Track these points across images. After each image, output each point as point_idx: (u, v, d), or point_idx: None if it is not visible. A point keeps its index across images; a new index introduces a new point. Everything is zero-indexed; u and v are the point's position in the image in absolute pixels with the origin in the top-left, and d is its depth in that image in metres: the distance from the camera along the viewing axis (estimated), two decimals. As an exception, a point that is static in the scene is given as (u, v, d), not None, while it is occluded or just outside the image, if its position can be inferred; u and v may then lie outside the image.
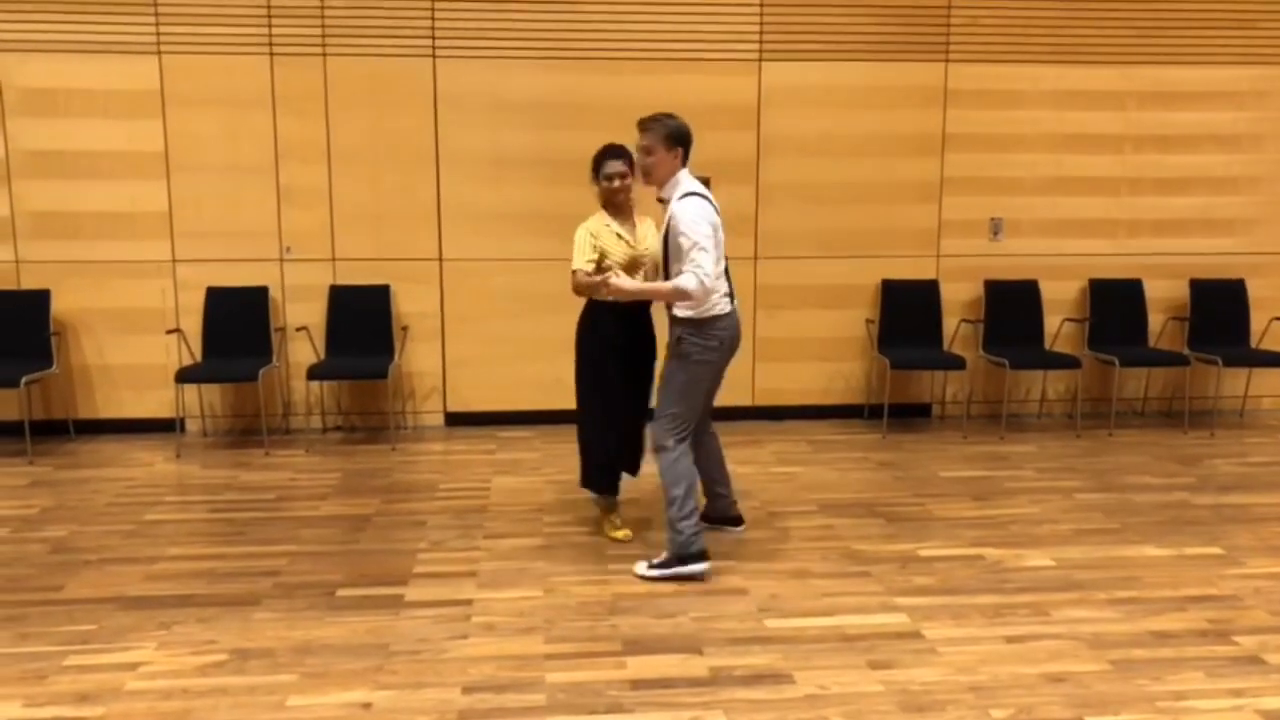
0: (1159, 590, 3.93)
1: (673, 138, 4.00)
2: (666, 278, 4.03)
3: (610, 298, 4.15)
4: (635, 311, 4.39)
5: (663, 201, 4.08)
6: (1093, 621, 3.65)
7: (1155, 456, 5.83)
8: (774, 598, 3.84)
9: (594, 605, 3.77)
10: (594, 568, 4.13)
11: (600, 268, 4.23)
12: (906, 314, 6.46)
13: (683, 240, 3.88)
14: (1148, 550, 4.35)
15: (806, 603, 3.80)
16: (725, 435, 5.85)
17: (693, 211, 3.92)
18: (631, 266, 4.30)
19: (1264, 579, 4.04)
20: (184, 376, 5.80)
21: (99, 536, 4.49)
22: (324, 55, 6.01)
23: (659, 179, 4.06)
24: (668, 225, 3.97)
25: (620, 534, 4.51)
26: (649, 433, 4.24)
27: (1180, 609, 3.77)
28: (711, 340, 4.02)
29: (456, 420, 6.42)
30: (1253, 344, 6.61)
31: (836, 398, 6.64)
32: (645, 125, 4.02)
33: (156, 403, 6.15)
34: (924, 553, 4.31)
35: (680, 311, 4.01)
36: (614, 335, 4.36)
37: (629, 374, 4.42)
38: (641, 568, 4.07)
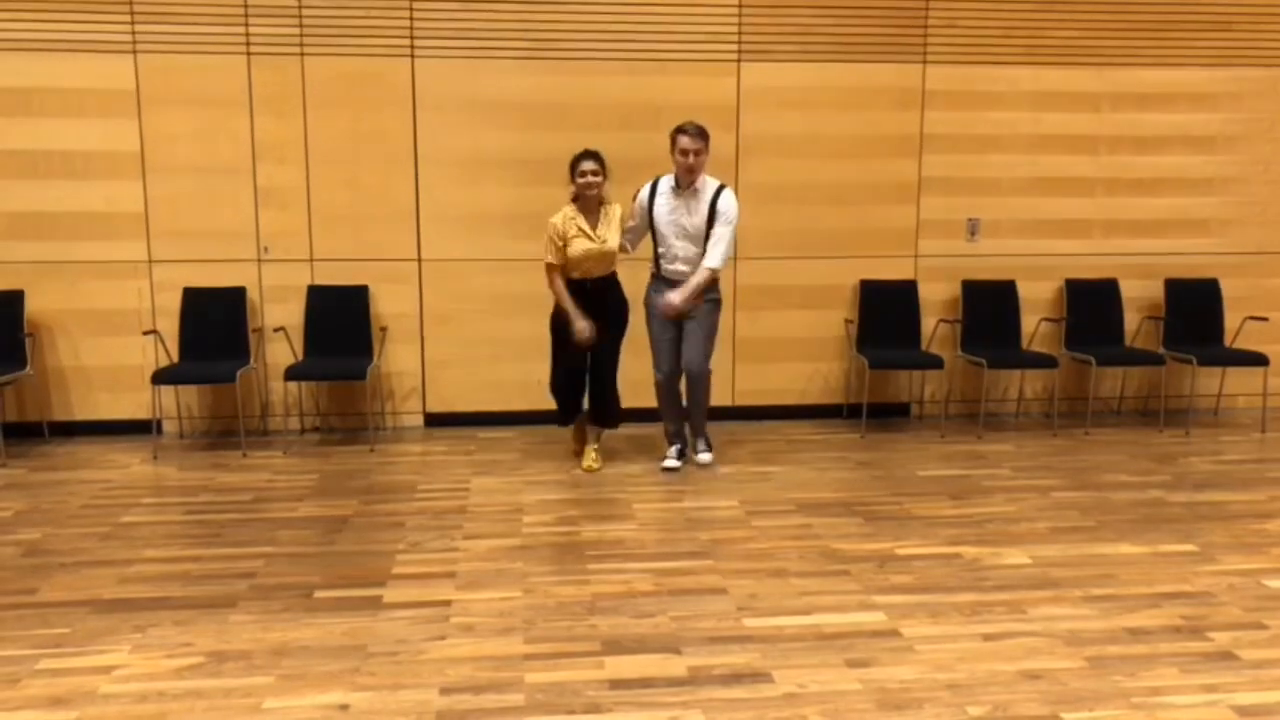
0: (1134, 587, 3.97)
1: (709, 140, 5.17)
2: (708, 242, 5.18)
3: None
4: (599, 287, 5.28)
5: (684, 186, 5.23)
6: (1069, 619, 3.68)
7: (1131, 455, 5.87)
8: (752, 597, 3.85)
9: (573, 605, 3.77)
10: (573, 568, 4.13)
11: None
12: (885, 314, 6.48)
13: (728, 222, 5.18)
14: (1123, 548, 4.38)
15: (785, 601, 3.81)
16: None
17: (736, 202, 5.24)
18: (587, 258, 5.20)
19: (1237, 575, 4.08)
20: (161, 378, 5.76)
21: (73, 539, 4.45)
22: (302, 55, 5.98)
23: (700, 172, 5.16)
24: (719, 204, 5.16)
25: (588, 463, 5.47)
26: (699, 368, 5.32)
27: (1155, 606, 3.80)
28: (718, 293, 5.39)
29: (435, 421, 6.40)
30: (1227, 343, 6.67)
31: (815, 398, 6.65)
32: (696, 131, 5.11)
33: (133, 404, 6.10)
34: (902, 551, 4.33)
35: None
36: (580, 308, 5.23)
37: (595, 336, 5.25)
38: (707, 457, 5.52)
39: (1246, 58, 6.60)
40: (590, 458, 5.49)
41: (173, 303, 6.04)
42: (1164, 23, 6.51)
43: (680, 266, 5.26)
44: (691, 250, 5.23)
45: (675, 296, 5.16)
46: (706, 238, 5.19)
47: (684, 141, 5.12)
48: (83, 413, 6.14)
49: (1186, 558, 4.28)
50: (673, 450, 5.52)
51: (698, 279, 5.16)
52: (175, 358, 6.03)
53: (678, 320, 5.29)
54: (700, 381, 5.38)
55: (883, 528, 4.63)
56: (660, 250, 5.32)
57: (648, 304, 5.42)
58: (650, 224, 5.32)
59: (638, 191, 5.36)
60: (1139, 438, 6.26)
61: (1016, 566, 4.18)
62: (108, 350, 6.08)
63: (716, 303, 5.34)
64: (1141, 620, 3.67)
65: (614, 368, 5.45)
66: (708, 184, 5.23)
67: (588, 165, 5.18)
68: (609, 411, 5.52)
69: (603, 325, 5.31)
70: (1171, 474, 5.50)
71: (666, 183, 5.29)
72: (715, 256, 5.17)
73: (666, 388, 5.45)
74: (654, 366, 5.44)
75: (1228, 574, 4.10)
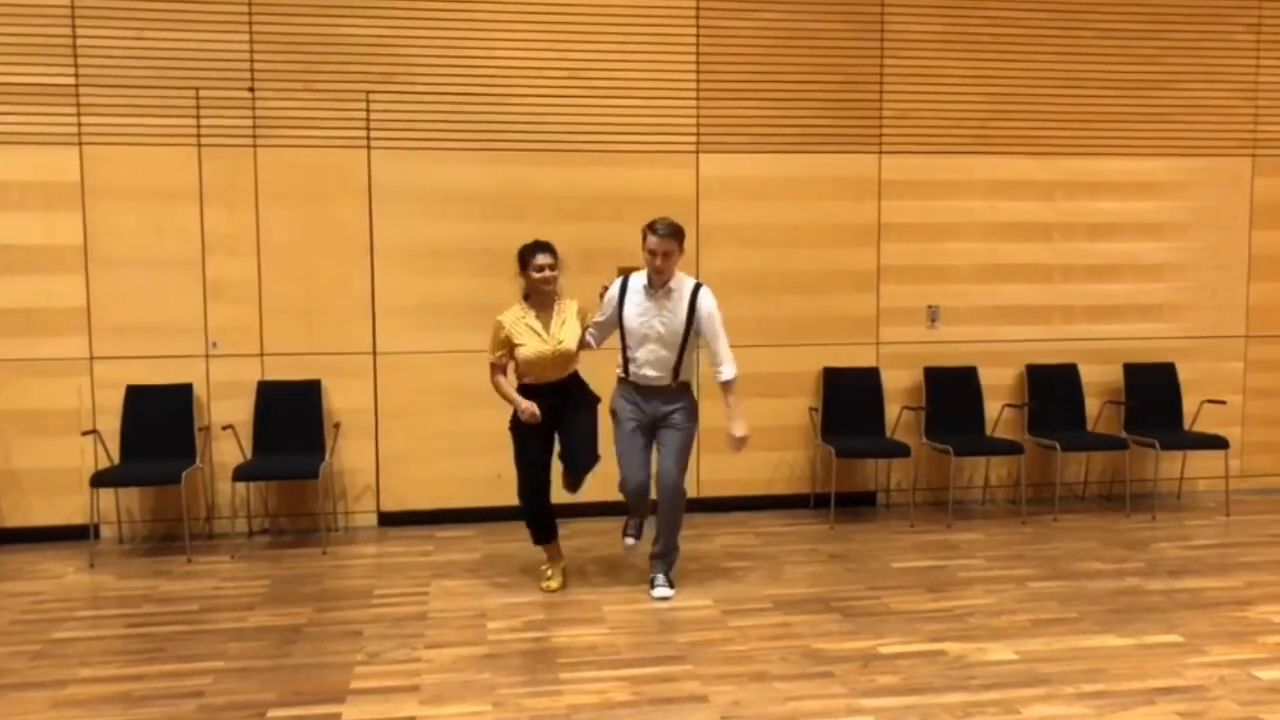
0: (1125, 682, 3.85)
1: (684, 238, 4.81)
2: (684, 347, 4.78)
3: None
4: (564, 393, 4.84)
5: (655, 287, 4.80)
6: (1064, 718, 3.54)
7: (1102, 541, 5.81)
8: (735, 704, 3.66)
9: (546, 719, 3.54)
10: (545, 677, 3.91)
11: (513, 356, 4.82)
12: (849, 402, 6.43)
13: (720, 325, 4.83)
14: (1109, 640, 4.27)
15: (770, 708, 3.63)
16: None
17: (714, 300, 4.85)
18: (539, 361, 4.76)
19: (1227, 667, 3.98)
20: (100, 480, 5.47)
21: (0, 659, 4.12)
22: (254, 146, 5.87)
23: (672, 274, 4.77)
24: (699, 306, 4.77)
25: (550, 584, 4.94)
26: (675, 479, 4.84)
27: (1149, 702, 3.68)
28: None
29: (391, 520, 6.15)
30: (1186, 426, 6.70)
31: (781, 487, 6.54)
32: (667, 231, 4.71)
33: (69, 509, 5.78)
34: (885, 649, 4.18)
35: (685, 377, 4.87)
36: (542, 406, 4.75)
37: (565, 426, 4.85)
38: (665, 591, 4.86)
39: (1189, 148, 6.78)
40: (554, 580, 4.97)
41: (115, 401, 5.78)
42: (1109, 114, 6.68)
43: (649, 372, 4.78)
44: (663, 354, 4.76)
45: (740, 430, 4.78)
46: (684, 340, 4.76)
47: (652, 241, 4.69)
48: (14, 519, 5.80)
49: (1173, 649, 4.18)
50: (631, 524, 5.01)
51: (735, 397, 4.81)
52: (116, 458, 5.74)
53: (648, 423, 4.84)
54: (674, 497, 4.86)
55: (862, 624, 4.47)
56: (628, 354, 4.83)
57: (615, 412, 4.92)
58: (619, 324, 4.87)
59: (606, 287, 4.97)
60: (1107, 523, 6.21)
61: (1003, 663, 4.05)
62: (43, 452, 5.78)
63: (693, 411, 4.90)
64: (1138, 718, 3.55)
65: (590, 435, 4.88)
66: (683, 282, 4.82)
67: (544, 259, 4.72)
68: (584, 462, 4.90)
69: (572, 413, 4.82)
70: (1145, 560, 5.44)
71: (638, 280, 4.83)
72: (729, 368, 4.80)
73: (634, 494, 4.92)
74: (621, 477, 4.90)
75: (1217, 665, 4.01)
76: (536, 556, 5.15)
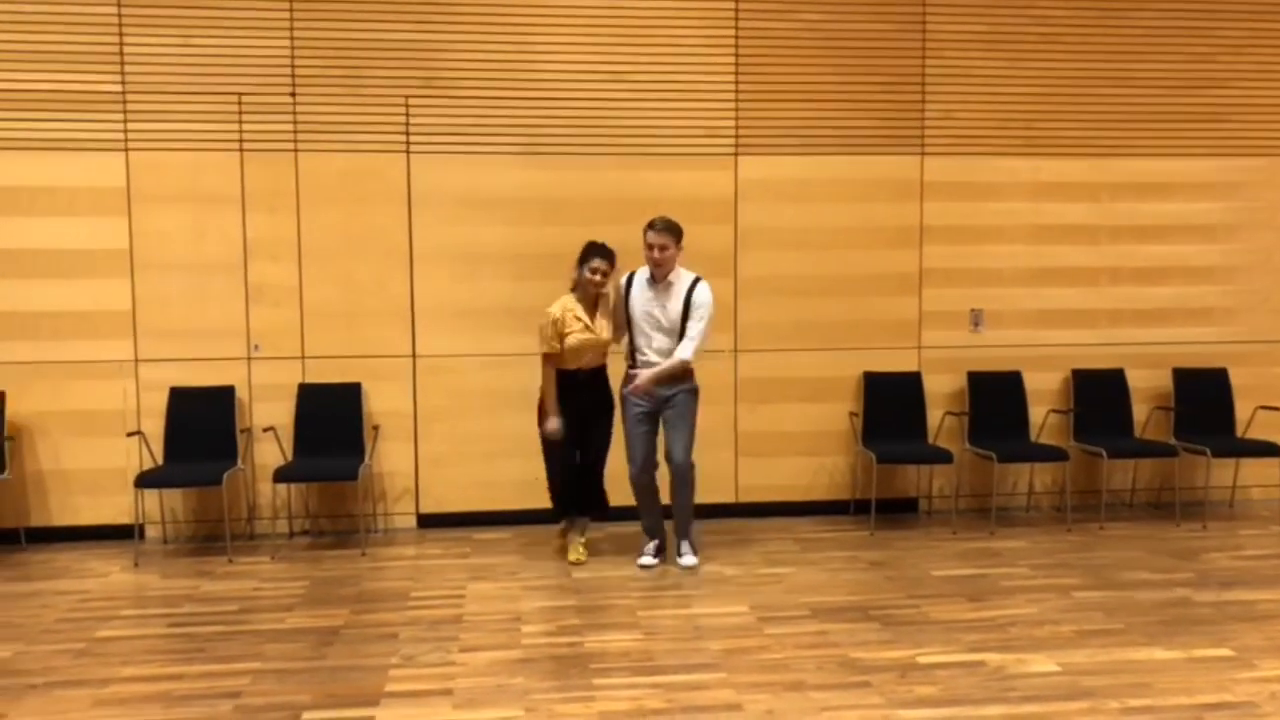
0: (1173, 697, 3.75)
1: (681, 235, 5.19)
2: (683, 334, 5.18)
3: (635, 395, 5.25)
4: (592, 379, 5.33)
5: (657, 280, 5.24)
6: (1108, 734, 3.46)
7: (1150, 550, 5.68)
8: (770, 713, 3.62)
9: (579, 726, 3.53)
10: (578, 682, 3.89)
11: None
12: (890, 407, 6.34)
13: (703, 316, 5.18)
14: (1156, 653, 4.17)
15: (805, 719, 3.58)
16: (709, 533, 5.80)
17: (710, 294, 5.23)
18: (584, 348, 5.22)
19: (1279, 683, 3.87)
20: (144, 481, 5.55)
21: (46, 657, 4.20)
22: (295, 151, 5.92)
23: (671, 268, 5.18)
24: (693, 296, 5.18)
25: (574, 556, 5.40)
26: (683, 460, 5.24)
27: (1197, 718, 3.58)
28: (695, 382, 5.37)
29: (429, 522, 6.18)
30: (1238, 433, 6.54)
31: (821, 493, 6.47)
32: (664, 226, 5.14)
33: (114, 509, 5.87)
34: (923, 659, 4.11)
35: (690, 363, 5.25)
36: (572, 401, 5.27)
37: (587, 429, 5.34)
38: (690, 560, 5.32)
39: (1242, 148, 6.62)
40: (577, 551, 5.44)
41: (159, 403, 5.86)
42: (1157, 114, 6.54)
43: (654, 358, 5.23)
44: (666, 343, 5.22)
45: (643, 376, 5.17)
46: (682, 331, 5.19)
47: (650, 237, 5.15)
48: (61, 518, 5.91)
49: (1223, 663, 4.07)
50: (650, 546, 5.46)
51: (668, 365, 5.17)
52: (160, 460, 5.82)
53: (653, 408, 5.26)
54: (684, 476, 5.31)
55: (901, 633, 4.40)
56: (636, 343, 5.29)
57: (623, 399, 5.35)
58: (627, 316, 5.30)
59: (616, 283, 5.38)
60: (1155, 532, 6.08)
61: (1045, 675, 3.96)
62: (90, 453, 5.88)
63: (694, 392, 5.31)
64: (1185, 734, 3.46)
65: (604, 459, 5.47)
66: (682, 276, 5.25)
67: (599, 264, 5.19)
68: (599, 500, 5.52)
69: (594, 419, 5.37)
70: (1194, 571, 5.30)
71: (642, 275, 5.29)
72: (687, 349, 5.17)
73: (641, 483, 5.38)
74: (628, 461, 5.36)
75: (1268, 680, 3.89)
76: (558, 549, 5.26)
